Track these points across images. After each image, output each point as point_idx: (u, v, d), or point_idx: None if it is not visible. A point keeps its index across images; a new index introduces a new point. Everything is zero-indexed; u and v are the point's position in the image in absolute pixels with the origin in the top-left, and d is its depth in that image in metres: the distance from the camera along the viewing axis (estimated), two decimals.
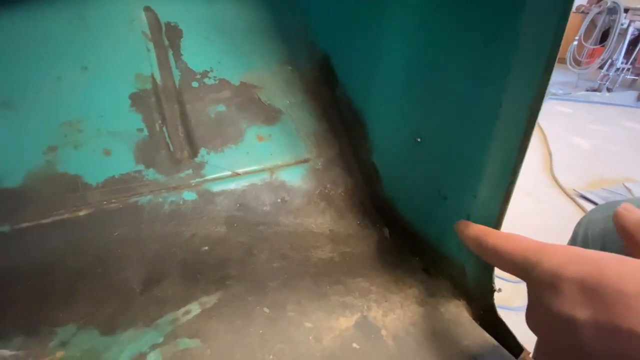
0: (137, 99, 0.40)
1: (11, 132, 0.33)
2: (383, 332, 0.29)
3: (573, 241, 0.47)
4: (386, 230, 0.43)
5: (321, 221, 0.42)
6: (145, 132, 0.39)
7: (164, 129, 0.40)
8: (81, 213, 0.33)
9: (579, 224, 0.48)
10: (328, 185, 0.45)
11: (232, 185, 0.40)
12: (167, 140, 0.40)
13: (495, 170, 0.30)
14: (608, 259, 0.19)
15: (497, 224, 0.32)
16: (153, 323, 0.26)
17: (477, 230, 0.27)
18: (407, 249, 0.40)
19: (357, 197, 0.45)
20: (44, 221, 0.31)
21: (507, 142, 0.28)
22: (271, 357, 0.25)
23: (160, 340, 0.25)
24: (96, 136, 0.36)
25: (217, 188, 0.40)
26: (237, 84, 0.45)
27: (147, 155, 0.38)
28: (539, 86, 0.25)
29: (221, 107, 0.44)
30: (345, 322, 0.29)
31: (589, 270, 0.18)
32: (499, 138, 0.28)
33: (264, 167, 0.43)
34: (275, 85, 0.47)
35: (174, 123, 0.41)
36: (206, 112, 0.43)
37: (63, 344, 0.23)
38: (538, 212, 1.45)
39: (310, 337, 0.27)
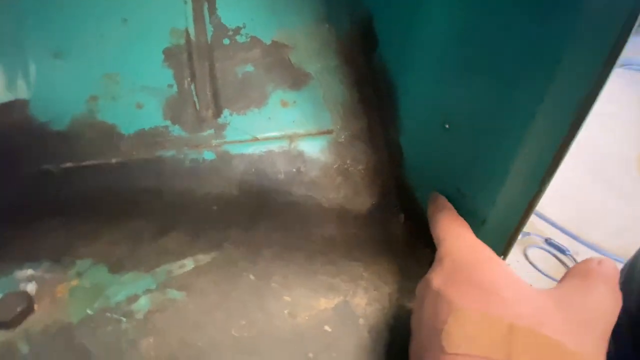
0: (170, 55, 0.41)
1: (60, 81, 0.37)
2: (361, 321, 0.29)
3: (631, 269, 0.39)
4: (402, 216, 0.41)
5: (334, 196, 0.41)
6: (175, 89, 0.41)
7: (192, 86, 0.41)
8: (113, 160, 0.37)
9: None
10: (348, 161, 0.43)
11: (250, 150, 0.41)
12: (195, 98, 0.41)
13: (523, 176, 0.25)
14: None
15: (513, 234, 0.28)
16: (152, 270, 0.29)
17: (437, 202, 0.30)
18: (420, 240, 0.38)
19: (377, 178, 0.42)
20: (82, 164, 0.36)
21: (543, 145, 0.23)
22: (244, 322, 0.27)
23: (154, 287, 0.28)
24: (131, 90, 0.39)
25: (235, 151, 0.40)
26: (269, 42, 0.44)
27: (175, 111, 0.40)
28: (594, 81, 0.19)
29: (249, 68, 0.43)
30: (325, 303, 0.29)
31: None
32: (534, 139, 0.23)
33: (284, 134, 0.42)
34: (308, 45, 0.44)
35: (202, 81, 0.42)
36: (234, 71, 0.42)
37: (79, 275, 0.28)
38: (621, 212, 1.23)
39: (286, 312, 0.28)
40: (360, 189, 0.42)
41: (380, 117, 0.43)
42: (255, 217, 0.36)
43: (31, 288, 0.28)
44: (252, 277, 0.30)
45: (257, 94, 0.42)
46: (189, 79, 0.41)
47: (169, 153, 0.39)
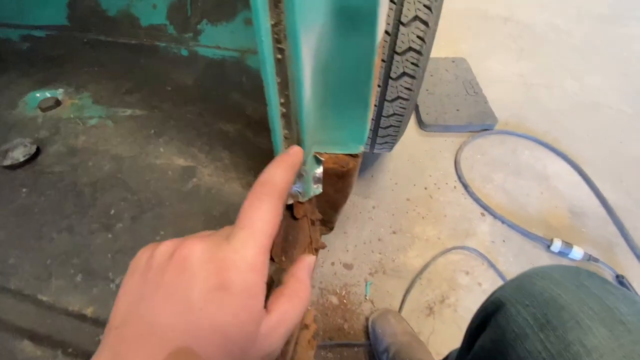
0: None
1: None
2: (195, 180, 0.41)
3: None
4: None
5: (255, 107, 0.51)
6: None
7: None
8: (133, 41, 0.56)
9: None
10: None
11: (210, 54, 0.53)
12: (188, 7, 0.54)
13: None
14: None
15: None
16: (109, 107, 0.47)
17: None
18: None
19: None
20: (116, 40, 0.55)
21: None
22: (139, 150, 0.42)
23: (103, 115, 0.46)
24: None
25: (201, 52, 0.53)
26: None
27: (173, 14, 0.54)
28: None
29: None
30: (182, 162, 0.42)
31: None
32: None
33: (239, 48, 0.52)
34: None
35: None
36: None
37: (79, 97, 0.49)
38: None
39: (158, 162, 0.42)
40: None
41: None
42: (187, 101, 0.50)
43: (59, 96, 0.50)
44: (152, 131, 0.45)
45: (229, 10, 0.52)
46: None
47: (162, 44, 0.55)
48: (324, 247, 0.50)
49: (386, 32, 0.72)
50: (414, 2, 0.70)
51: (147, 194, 0.38)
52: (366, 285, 1.01)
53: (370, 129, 0.93)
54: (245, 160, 0.43)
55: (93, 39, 0.56)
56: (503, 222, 1.13)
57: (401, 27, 0.72)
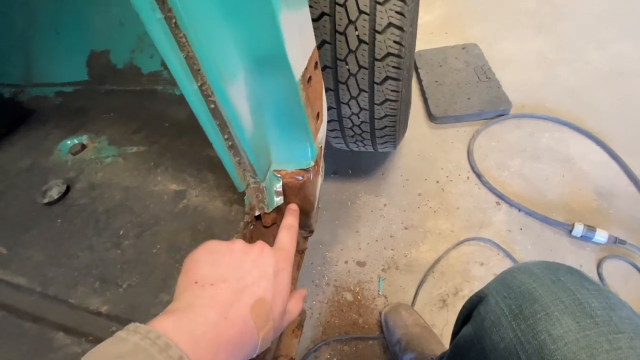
0: None
1: (121, 42, 0.67)
2: (185, 202, 0.49)
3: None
4: None
5: None
6: None
7: None
8: (137, 88, 0.67)
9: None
10: None
11: None
12: None
13: None
14: None
15: None
16: (118, 146, 0.58)
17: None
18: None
19: None
20: (123, 88, 0.67)
21: None
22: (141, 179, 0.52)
23: (116, 154, 0.57)
24: (149, 45, 0.66)
25: None
26: None
27: None
28: None
29: None
30: (175, 186, 0.51)
31: None
32: None
33: None
34: None
35: None
36: None
37: (98, 141, 0.60)
38: None
39: (157, 188, 0.52)
40: None
41: None
42: (182, 134, 0.59)
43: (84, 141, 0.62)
44: (152, 163, 0.54)
45: None
46: None
47: (159, 87, 0.65)
48: (305, 249, 0.56)
49: (363, 40, 0.77)
50: (386, 11, 0.74)
51: (147, 216, 0.48)
52: (379, 281, 1.05)
53: (366, 131, 0.97)
54: (226, 180, 0.51)
55: (108, 89, 0.69)
56: (520, 209, 1.10)
57: (377, 35, 0.76)
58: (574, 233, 0.99)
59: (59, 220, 0.49)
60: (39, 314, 0.39)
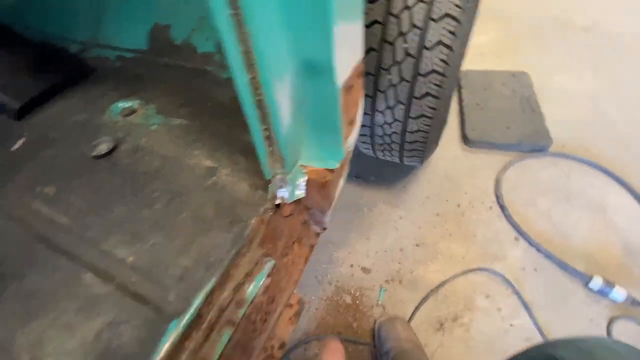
0: None
1: (185, 18, 0.72)
2: (214, 179, 0.53)
3: None
4: None
5: None
6: None
7: None
8: (189, 65, 0.71)
9: None
10: None
11: None
12: None
13: None
14: None
15: None
16: (166, 116, 0.63)
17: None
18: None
19: None
20: (179, 63, 0.72)
21: None
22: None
23: (162, 122, 0.62)
24: (208, 27, 0.70)
25: None
26: None
27: (219, 45, 0.69)
28: None
29: None
30: (209, 163, 0.55)
31: None
32: None
33: None
34: None
35: None
36: None
37: (146, 108, 0.66)
38: None
39: (192, 162, 0.56)
40: None
41: None
42: (222, 116, 0.63)
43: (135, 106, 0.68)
44: (192, 138, 0.59)
45: None
46: None
47: (210, 68, 0.69)
48: (314, 244, 0.59)
49: (410, 54, 0.77)
50: (439, 28, 0.74)
51: (179, 185, 0.52)
52: (380, 290, 1.06)
53: (396, 142, 0.98)
54: (255, 166, 0.55)
55: (163, 62, 0.74)
56: (539, 250, 1.07)
57: (425, 51, 0.77)
58: (590, 285, 0.95)
59: (102, 175, 0.54)
60: (73, 253, 0.44)
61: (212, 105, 0.64)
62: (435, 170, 1.34)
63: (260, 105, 0.36)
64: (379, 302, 1.03)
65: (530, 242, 1.09)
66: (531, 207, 1.18)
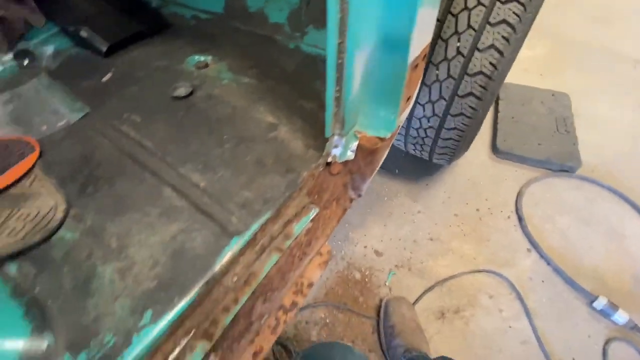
0: None
1: None
2: (274, 133, 0.60)
3: None
4: None
5: None
6: (297, 4, 0.75)
7: (304, 7, 0.74)
8: (260, 32, 0.78)
9: None
10: None
11: (309, 50, 0.72)
12: (303, 14, 0.74)
13: None
14: None
15: None
16: (233, 70, 0.70)
17: None
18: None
19: None
20: (251, 29, 0.79)
21: None
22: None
23: (232, 76, 0.69)
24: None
25: (303, 48, 0.73)
26: None
27: (291, 17, 0.75)
28: None
29: None
30: (271, 119, 0.62)
31: None
32: None
33: None
34: None
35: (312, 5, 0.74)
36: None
37: (220, 64, 0.73)
38: None
39: (261, 112, 0.63)
40: None
41: None
42: (286, 82, 0.70)
43: (208, 61, 0.76)
44: (258, 96, 0.66)
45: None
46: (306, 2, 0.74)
47: (279, 37, 0.76)
48: (347, 208, 0.65)
49: (461, 53, 0.82)
50: (494, 33, 0.78)
51: (245, 133, 0.59)
52: (389, 274, 1.12)
53: (430, 137, 1.03)
54: (311, 128, 0.62)
55: (236, 26, 0.81)
56: (549, 263, 1.11)
57: (476, 52, 0.81)
58: (595, 304, 0.99)
59: (181, 113, 0.62)
60: (156, 171, 0.53)
61: (278, 71, 0.72)
62: (460, 174, 1.38)
63: (340, 68, 0.42)
64: (387, 284, 1.10)
65: (542, 255, 1.12)
66: (549, 223, 1.21)
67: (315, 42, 0.72)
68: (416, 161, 1.38)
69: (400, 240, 1.20)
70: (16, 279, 0.40)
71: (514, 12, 0.76)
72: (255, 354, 0.50)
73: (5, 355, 0.32)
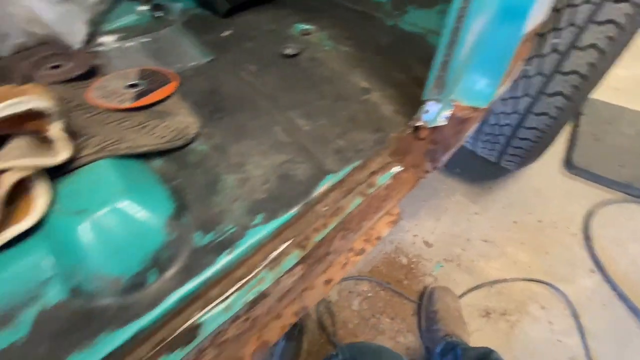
0: None
1: None
2: (364, 96, 0.66)
3: None
4: None
5: None
6: None
7: None
8: (360, 9, 0.84)
9: None
10: None
11: (407, 28, 0.76)
12: None
13: None
14: None
15: None
16: (325, 39, 0.77)
17: None
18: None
19: None
20: (352, 6, 0.85)
21: None
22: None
23: (331, 45, 0.76)
24: None
25: (401, 25, 0.77)
26: None
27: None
28: None
29: None
30: (364, 84, 0.68)
31: None
32: None
33: (427, 28, 0.74)
34: None
35: None
36: None
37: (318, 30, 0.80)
38: None
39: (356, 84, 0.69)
40: None
41: None
42: (381, 54, 0.75)
43: (311, 30, 0.83)
44: (354, 64, 0.72)
45: (432, 1, 0.74)
46: None
47: (378, 15, 0.81)
48: (422, 178, 0.69)
49: (556, 50, 0.81)
50: (598, 32, 0.76)
51: (342, 92, 0.66)
52: (437, 265, 1.13)
53: (505, 135, 1.02)
54: (400, 97, 0.66)
55: (338, 2, 0.88)
56: (614, 288, 1.05)
57: (575, 51, 0.80)
58: None
59: (289, 69, 0.70)
60: (268, 111, 0.61)
61: (374, 45, 0.77)
62: (526, 183, 1.33)
63: (456, 32, 0.46)
64: (433, 274, 1.11)
65: (608, 280, 1.06)
66: (619, 248, 1.14)
67: (414, 20, 0.77)
68: (481, 163, 1.36)
69: (453, 236, 1.20)
70: (162, 171, 0.50)
71: (624, 13, 0.74)
72: (326, 282, 0.56)
73: (156, 222, 0.41)
